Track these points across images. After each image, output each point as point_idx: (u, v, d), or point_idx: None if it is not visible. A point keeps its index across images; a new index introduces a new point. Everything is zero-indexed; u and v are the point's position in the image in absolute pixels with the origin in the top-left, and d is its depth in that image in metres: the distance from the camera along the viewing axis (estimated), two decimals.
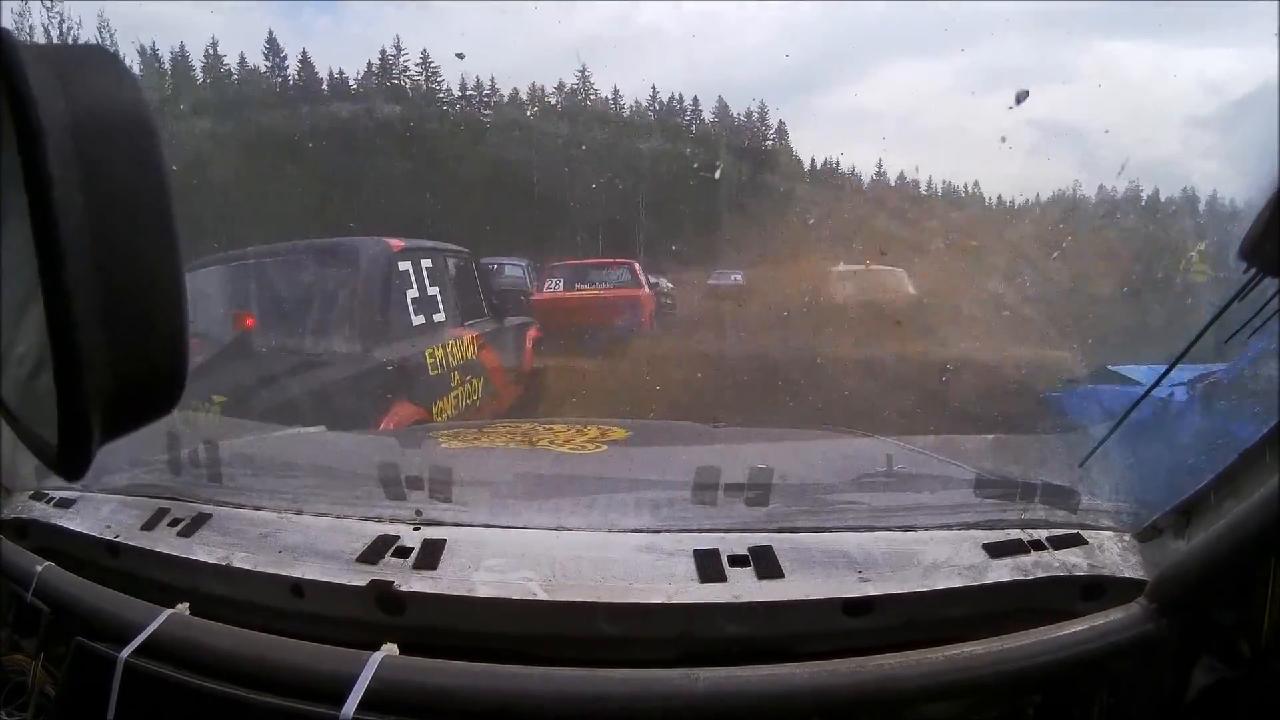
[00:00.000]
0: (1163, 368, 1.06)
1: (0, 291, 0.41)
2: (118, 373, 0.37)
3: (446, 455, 1.70)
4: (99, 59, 0.38)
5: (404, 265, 3.58)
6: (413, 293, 3.59)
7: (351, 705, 0.77)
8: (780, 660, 0.80)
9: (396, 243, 3.64)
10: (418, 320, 3.57)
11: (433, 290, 3.74)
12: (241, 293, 3.49)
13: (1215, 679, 0.78)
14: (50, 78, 0.35)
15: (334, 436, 2.07)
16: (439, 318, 3.74)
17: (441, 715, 0.79)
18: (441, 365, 3.58)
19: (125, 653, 0.87)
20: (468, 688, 0.79)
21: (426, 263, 3.76)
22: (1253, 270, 0.79)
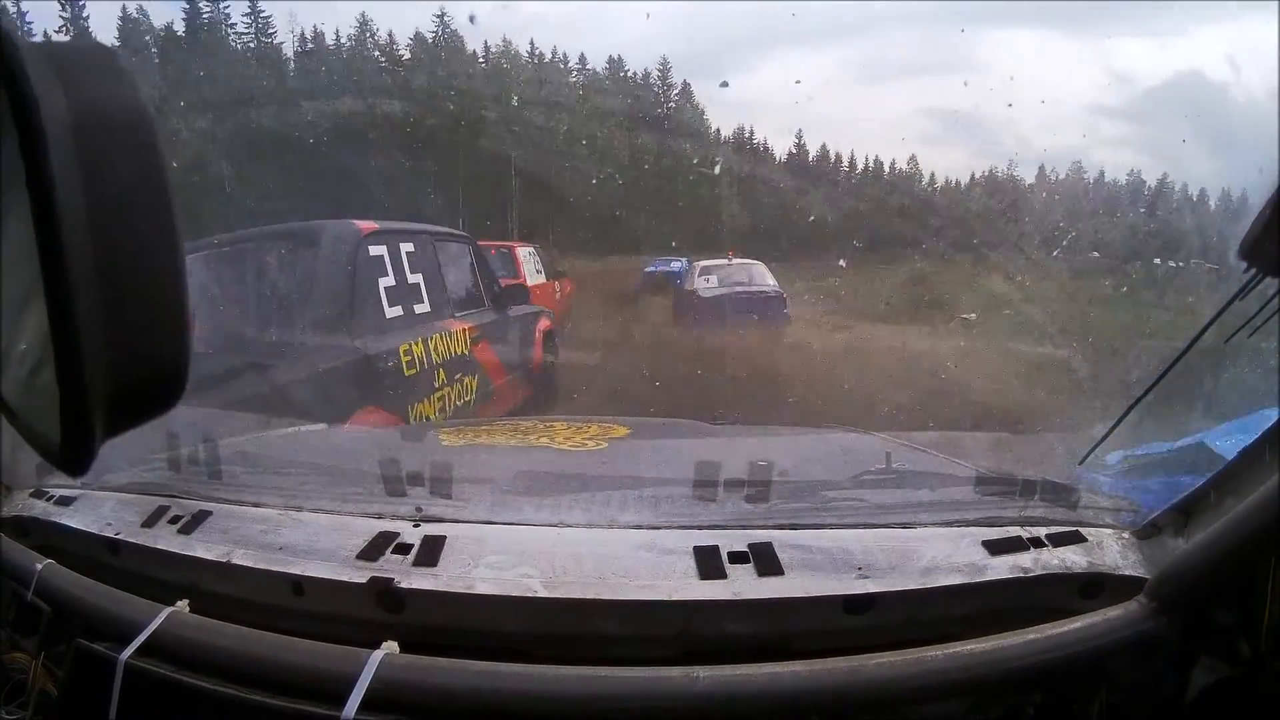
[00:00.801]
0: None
1: (1, 289, 0.41)
2: (119, 369, 0.37)
3: (447, 452, 1.70)
4: (99, 57, 0.38)
5: (376, 250, 3.17)
6: (387, 280, 3.18)
7: (353, 706, 0.77)
8: (780, 657, 0.80)
9: (367, 225, 3.22)
10: (393, 312, 3.15)
11: (414, 278, 3.35)
12: (191, 284, 3.14)
13: (1215, 678, 0.78)
14: (51, 76, 0.35)
15: (334, 433, 2.07)
16: (422, 309, 3.33)
17: (443, 714, 0.79)
18: (421, 363, 3.17)
19: (125, 654, 0.87)
20: (469, 686, 0.79)
21: (407, 247, 3.36)
22: (1253, 270, 0.79)
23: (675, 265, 13.20)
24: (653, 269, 13.03)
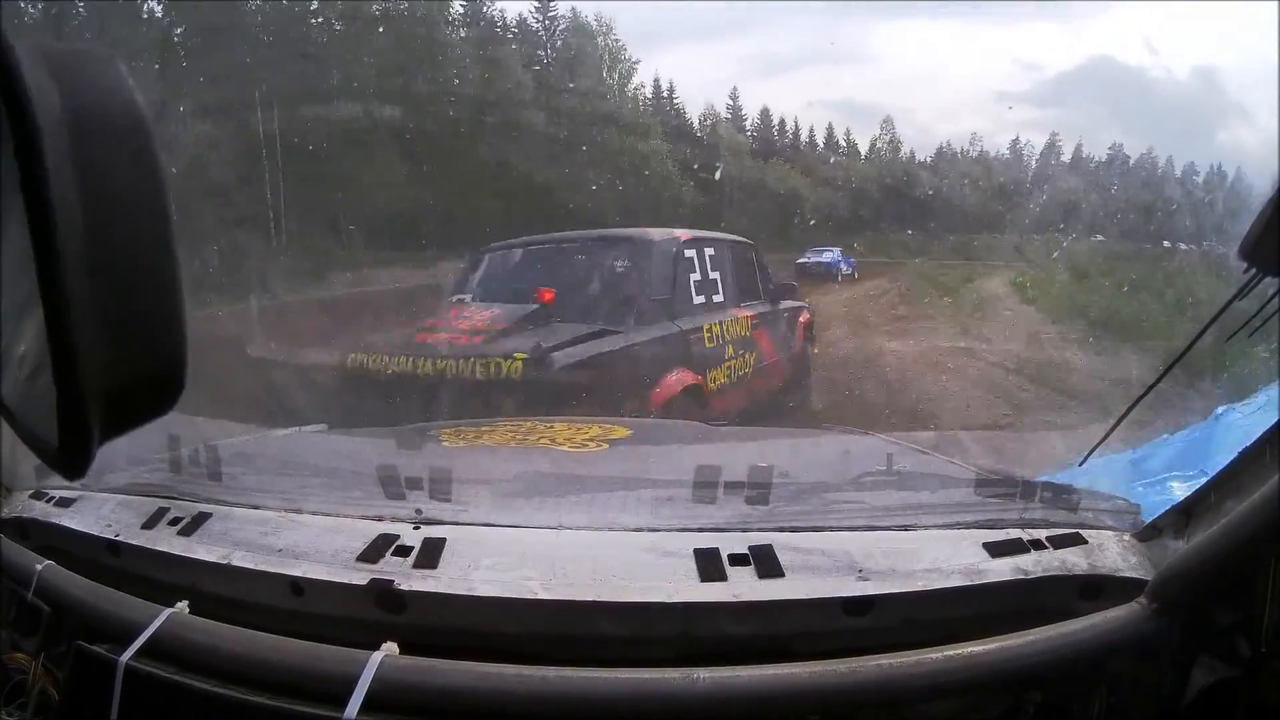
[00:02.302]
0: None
1: (0, 291, 0.41)
2: (117, 371, 0.37)
3: (447, 454, 1.70)
4: (96, 58, 0.38)
5: (689, 252, 4.16)
6: (695, 276, 4.13)
7: (354, 707, 0.77)
8: (780, 659, 0.80)
9: (684, 233, 4.32)
10: (698, 299, 4.10)
11: (714, 274, 4.27)
12: (544, 270, 4.11)
13: (1214, 678, 0.78)
14: (46, 77, 0.35)
15: (334, 436, 2.07)
16: (717, 298, 4.25)
17: (443, 715, 0.79)
18: (718, 339, 4.07)
19: (125, 656, 0.87)
20: (469, 688, 0.79)
21: (709, 250, 4.32)
22: (1253, 270, 0.79)
23: (828, 256, 12.75)
24: (805, 260, 12.46)
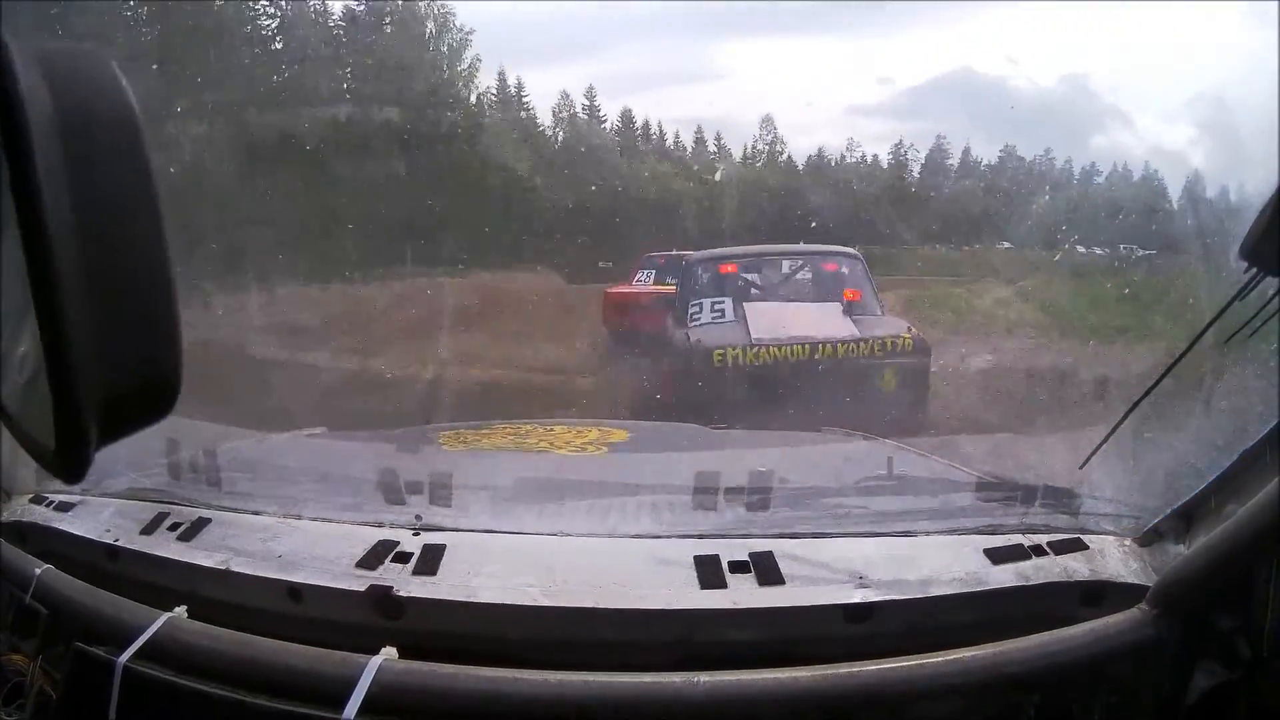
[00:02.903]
0: None
1: None
2: (113, 375, 0.37)
3: (446, 459, 1.70)
4: (87, 59, 0.38)
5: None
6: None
7: (352, 709, 0.77)
8: (780, 666, 0.80)
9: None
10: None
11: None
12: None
13: (1215, 682, 0.78)
14: (38, 77, 0.35)
15: (333, 441, 2.06)
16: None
17: (441, 718, 0.79)
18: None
19: (124, 658, 0.86)
20: (467, 692, 0.79)
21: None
22: (1253, 270, 0.79)
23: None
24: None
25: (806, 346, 4.20)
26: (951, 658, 0.79)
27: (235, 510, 1.15)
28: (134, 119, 0.37)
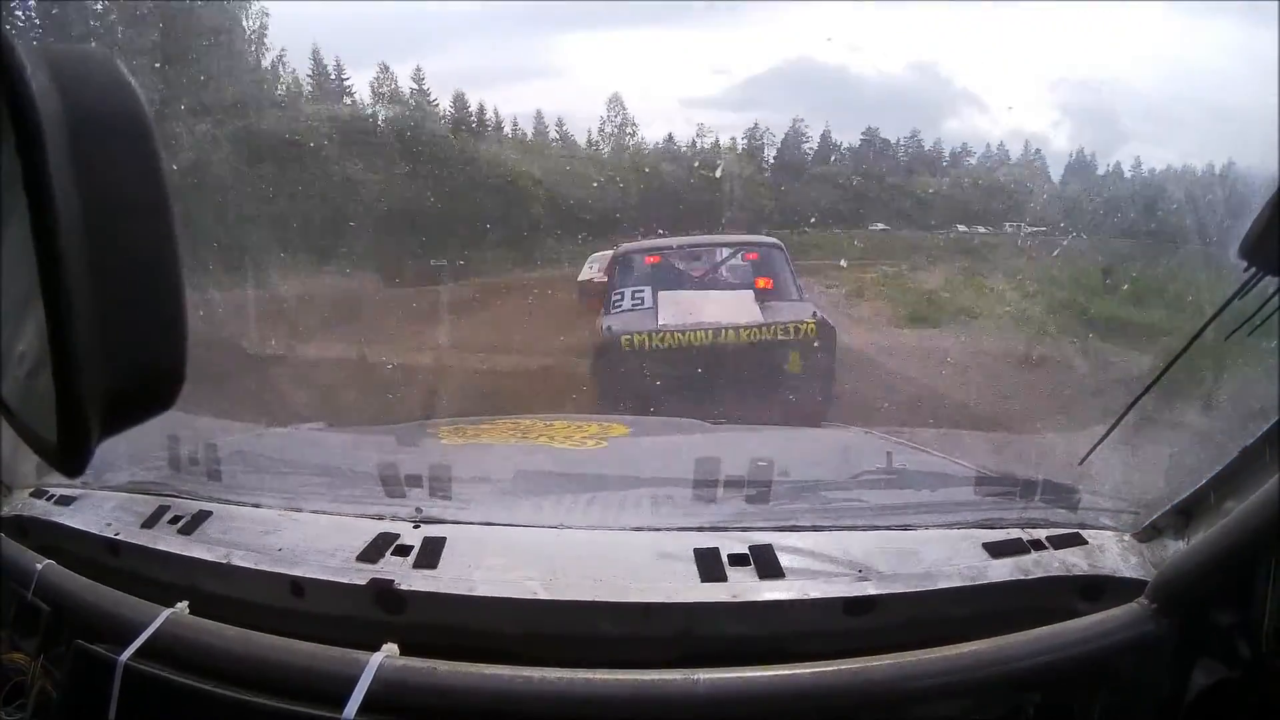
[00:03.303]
0: None
1: (0, 290, 0.41)
2: (116, 369, 0.37)
3: (446, 453, 1.70)
4: (97, 59, 0.38)
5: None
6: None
7: (353, 708, 0.77)
8: (780, 660, 0.80)
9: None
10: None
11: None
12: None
13: (1215, 679, 0.78)
14: (49, 78, 0.35)
15: (333, 433, 2.06)
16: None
17: (442, 717, 0.79)
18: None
19: (125, 656, 0.86)
20: (468, 689, 0.79)
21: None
22: (1253, 269, 0.79)
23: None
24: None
25: (710, 331, 4.46)
26: (951, 652, 0.79)
27: (236, 503, 1.15)
28: (143, 116, 0.37)
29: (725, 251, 5.70)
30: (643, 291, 5.08)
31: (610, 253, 7.74)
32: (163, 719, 0.86)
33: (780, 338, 4.45)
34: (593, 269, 8.28)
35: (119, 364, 0.37)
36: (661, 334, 4.51)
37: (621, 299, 5.12)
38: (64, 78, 0.36)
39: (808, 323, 4.50)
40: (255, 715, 0.81)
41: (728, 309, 4.73)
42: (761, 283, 5.07)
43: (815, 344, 4.42)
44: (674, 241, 6.39)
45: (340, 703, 0.78)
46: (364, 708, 0.77)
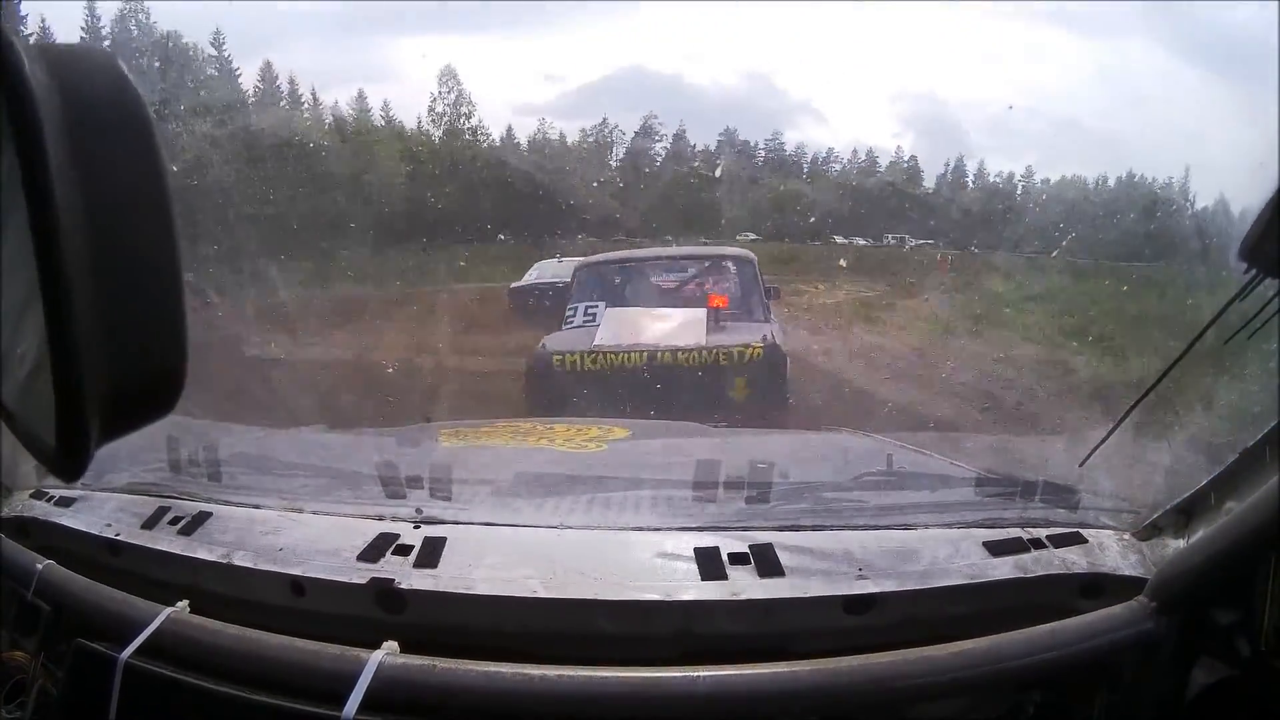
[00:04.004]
0: None
1: (0, 291, 0.41)
2: (116, 373, 0.37)
3: (447, 454, 1.70)
4: (97, 58, 0.38)
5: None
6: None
7: (353, 706, 0.77)
8: (780, 658, 0.80)
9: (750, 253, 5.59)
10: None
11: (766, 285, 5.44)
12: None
13: (1214, 677, 0.78)
14: (49, 77, 0.35)
15: (334, 435, 2.07)
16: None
17: (442, 714, 0.79)
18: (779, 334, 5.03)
19: (125, 654, 0.87)
20: (468, 687, 0.79)
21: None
22: (1253, 271, 0.79)
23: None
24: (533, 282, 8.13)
25: (643, 353, 4.16)
26: (951, 650, 0.79)
27: (236, 504, 1.15)
28: (144, 116, 0.37)
29: (693, 265, 5.43)
30: (596, 307, 4.84)
31: (549, 261, 7.71)
32: (163, 717, 0.86)
33: (723, 362, 4.11)
34: (532, 276, 8.05)
35: (119, 367, 0.37)
36: (594, 354, 4.21)
37: (574, 314, 4.91)
38: (64, 77, 0.36)
39: (754, 346, 4.15)
40: (256, 713, 0.81)
41: (669, 329, 4.44)
42: (717, 300, 4.74)
43: (763, 369, 4.11)
44: (639, 253, 6.23)
45: (340, 700, 0.78)
46: (364, 706, 0.77)
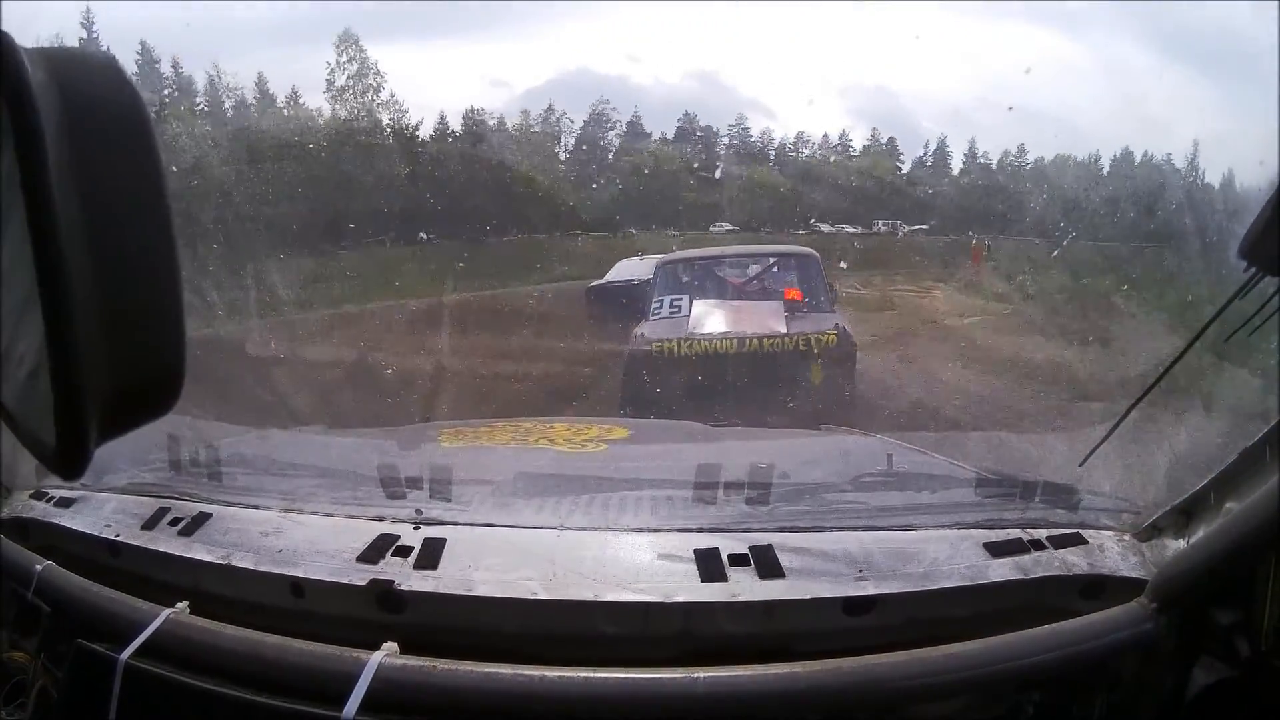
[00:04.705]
0: None
1: (0, 292, 0.41)
2: (116, 373, 0.37)
3: (446, 455, 1.70)
4: (97, 62, 0.38)
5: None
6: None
7: (353, 706, 0.77)
8: (780, 659, 0.80)
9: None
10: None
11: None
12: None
13: (1215, 678, 0.78)
14: (49, 80, 0.35)
15: (333, 436, 2.07)
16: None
17: (442, 715, 0.79)
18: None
19: (125, 654, 0.87)
20: (468, 688, 0.79)
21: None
22: (1253, 270, 0.79)
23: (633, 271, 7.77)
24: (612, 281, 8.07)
25: (734, 340, 4.70)
26: (951, 651, 0.79)
27: (236, 505, 1.15)
28: (143, 118, 0.37)
29: (762, 261, 5.94)
30: (680, 300, 5.34)
31: (633, 260, 8.06)
32: (163, 717, 0.86)
33: (802, 348, 4.65)
34: (610, 275, 8.22)
35: (118, 367, 0.37)
36: (689, 341, 4.74)
37: (661, 306, 5.41)
38: (64, 79, 0.36)
39: (829, 334, 4.72)
40: (256, 714, 0.81)
41: (752, 318, 4.95)
42: (791, 293, 5.25)
43: (835, 353, 4.64)
44: (714, 252, 6.79)
45: (340, 701, 0.78)
46: (364, 706, 0.77)
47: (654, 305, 5.44)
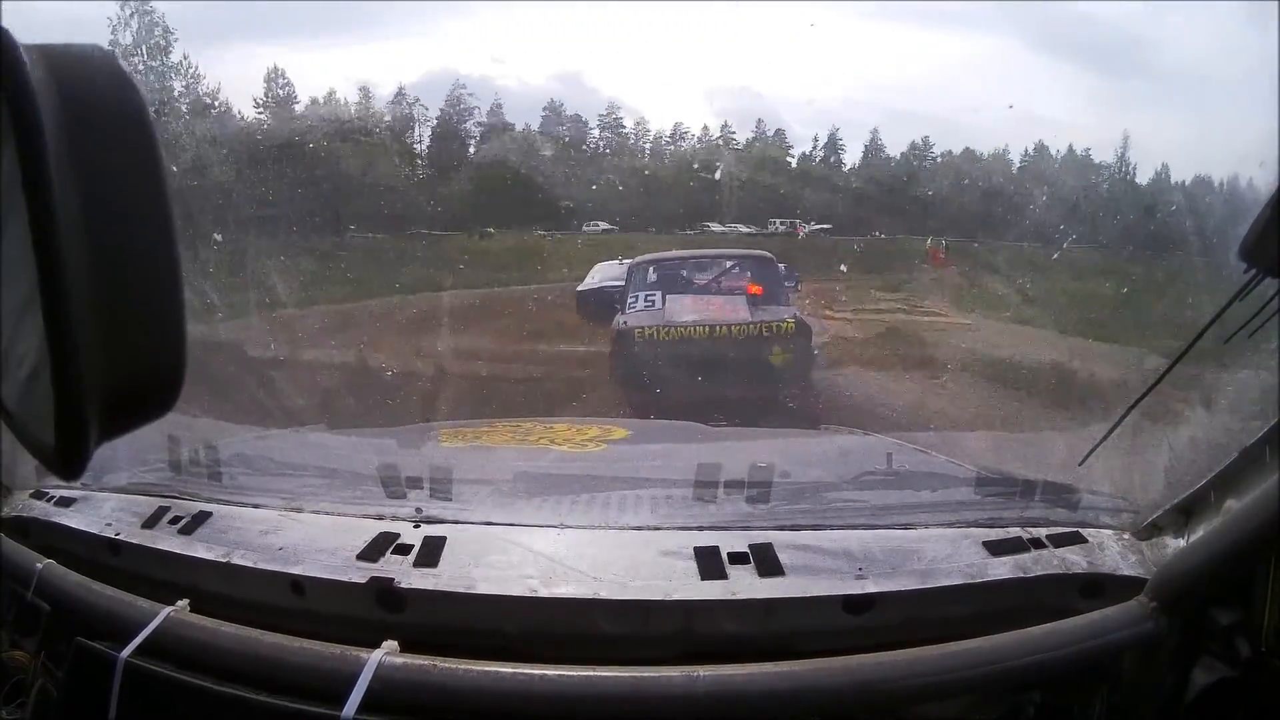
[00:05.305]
0: None
1: (0, 291, 0.41)
2: (115, 373, 0.37)
3: (447, 454, 1.70)
4: (98, 58, 0.38)
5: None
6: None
7: (352, 705, 0.77)
8: (780, 657, 0.80)
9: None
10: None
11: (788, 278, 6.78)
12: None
13: (1215, 678, 0.78)
14: (49, 77, 0.35)
15: (334, 435, 2.07)
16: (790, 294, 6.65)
17: (442, 714, 0.79)
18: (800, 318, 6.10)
19: (125, 653, 0.87)
20: (468, 686, 0.79)
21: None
22: (1253, 270, 0.79)
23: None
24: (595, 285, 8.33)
25: (706, 327, 5.51)
26: (950, 650, 0.79)
27: (236, 504, 1.15)
28: (144, 116, 0.37)
29: (724, 262, 6.76)
30: (654, 295, 6.06)
31: (610, 263, 8.66)
32: (163, 716, 0.86)
33: (765, 334, 5.48)
34: (594, 279, 8.59)
35: (118, 366, 0.37)
36: (666, 328, 5.52)
37: (636, 300, 6.10)
38: (64, 77, 0.36)
39: (787, 321, 5.56)
40: (256, 712, 0.81)
41: (720, 309, 5.79)
42: (753, 289, 6.07)
43: (793, 338, 5.49)
44: (681, 254, 7.69)
45: (340, 700, 0.78)
46: (364, 705, 0.77)
47: (630, 300, 6.13)
